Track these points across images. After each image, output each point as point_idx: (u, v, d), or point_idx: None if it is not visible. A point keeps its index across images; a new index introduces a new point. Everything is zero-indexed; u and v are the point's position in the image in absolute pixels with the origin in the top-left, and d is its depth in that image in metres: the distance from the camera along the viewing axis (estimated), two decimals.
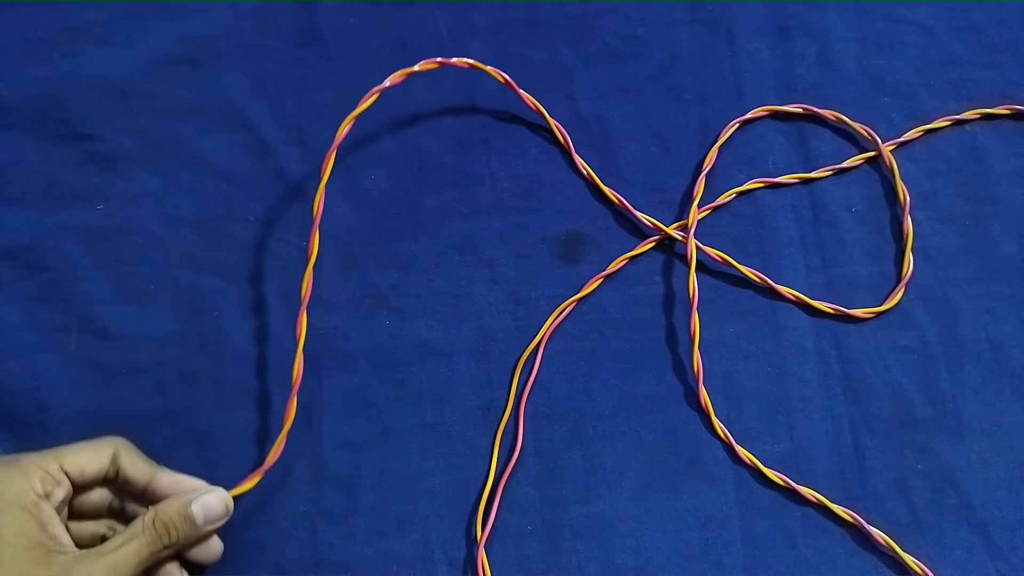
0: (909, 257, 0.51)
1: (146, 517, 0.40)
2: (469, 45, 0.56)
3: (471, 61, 0.51)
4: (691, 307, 0.49)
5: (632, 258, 0.51)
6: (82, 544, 0.41)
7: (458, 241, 0.51)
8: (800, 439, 0.48)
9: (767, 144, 0.54)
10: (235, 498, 0.43)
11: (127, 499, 0.43)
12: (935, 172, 0.53)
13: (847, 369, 0.49)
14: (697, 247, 0.51)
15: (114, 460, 0.42)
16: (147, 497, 0.42)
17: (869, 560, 0.45)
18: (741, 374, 0.49)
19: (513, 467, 0.47)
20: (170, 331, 0.49)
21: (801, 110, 0.54)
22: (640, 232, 0.52)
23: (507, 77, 0.52)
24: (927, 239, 0.52)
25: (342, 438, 0.47)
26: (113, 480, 0.42)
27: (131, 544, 0.39)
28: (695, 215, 0.51)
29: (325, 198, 0.47)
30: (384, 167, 0.53)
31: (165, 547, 0.40)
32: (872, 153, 0.54)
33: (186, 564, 0.43)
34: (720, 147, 0.53)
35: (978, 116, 0.54)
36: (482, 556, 0.45)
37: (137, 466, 0.42)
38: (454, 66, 0.50)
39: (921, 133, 0.54)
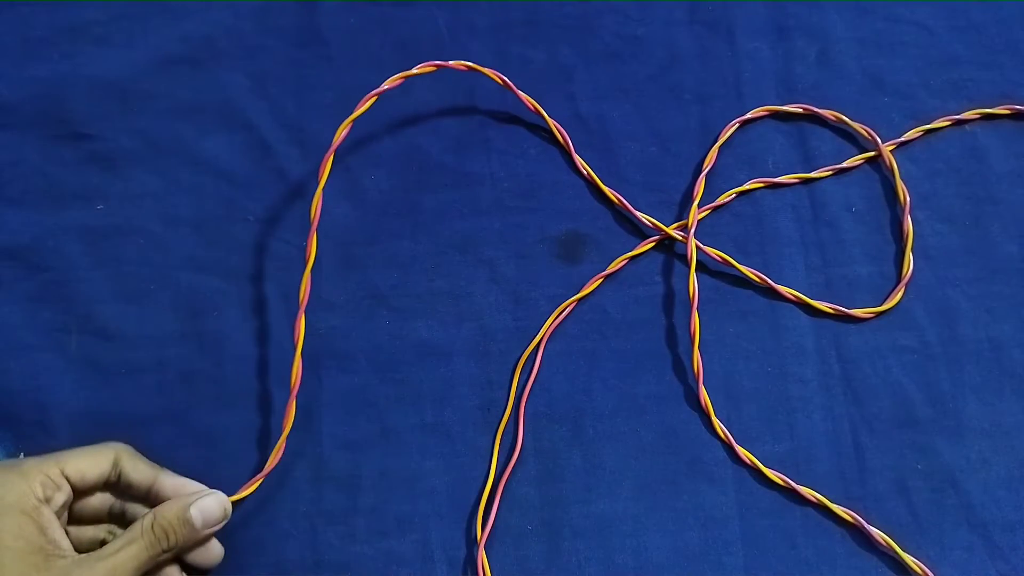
0: (909, 257, 0.51)
1: (144, 521, 0.40)
2: (469, 45, 0.56)
3: (469, 63, 0.51)
4: (691, 307, 0.49)
5: (632, 258, 0.51)
6: (82, 548, 0.41)
7: (458, 241, 0.51)
8: (800, 439, 0.48)
9: (767, 144, 0.54)
10: (235, 502, 0.44)
11: (129, 502, 0.43)
12: (935, 172, 0.53)
13: (847, 369, 0.49)
14: (697, 247, 0.51)
15: (115, 465, 0.42)
16: (150, 500, 0.43)
17: (869, 560, 0.45)
18: (741, 374, 0.49)
19: (513, 467, 0.47)
20: (170, 331, 0.49)
21: (801, 110, 0.54)
22: (640, 232, 0.52)
23: (505, 79, 0.52)
24: (927, 239, 0.52)
25: (342, 438, 0.47)
26: (115, 484, 0.42)
27: (130, 548, 0.39)
28: (695, 215, 0.51)
29: (325, 198, 0.47)
30: (384, 167, 0.53)
31: (164, 551, 0.40)
32: (872, 153, 0.54)
33: (186, 567, 0.43)
34: (720, 147, 0.53)
35: (978, 116, 0.54)
36: (482, 556, 0.45)
37: (140, 469, 0.42)
38: (452, 68, 0.50)
39: (921, 133, 0.54)
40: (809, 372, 0.49)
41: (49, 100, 0.53)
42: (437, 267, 0.51)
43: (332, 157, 0.47)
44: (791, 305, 0.51)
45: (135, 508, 0.43)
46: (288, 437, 0.45)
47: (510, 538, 0.46)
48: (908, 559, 0.45)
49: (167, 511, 0.41)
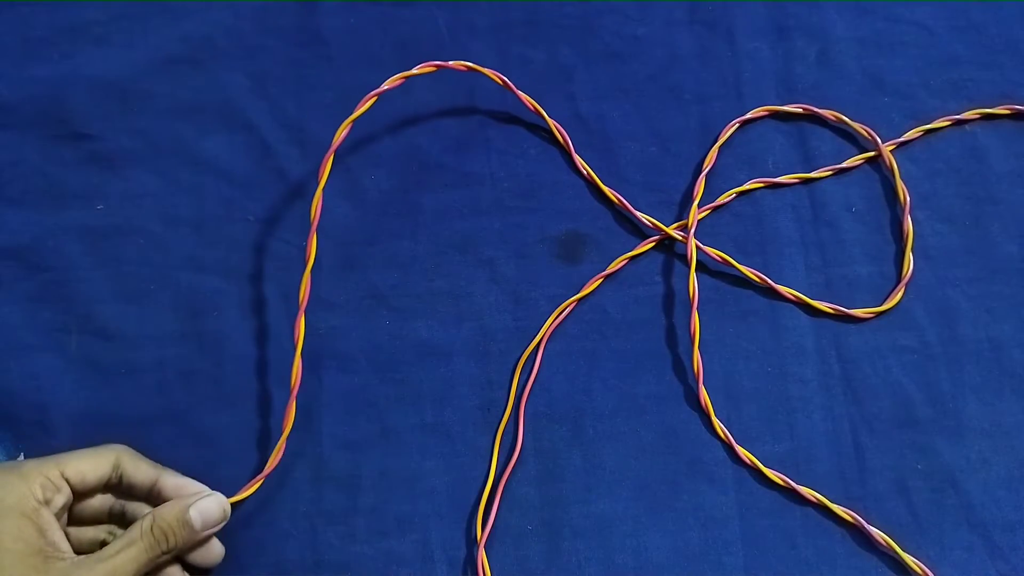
0: (909, 257, 0.51)
1: (144, 523, 0.40)
2: (469, 45, 0.56)
3: (469, 64, 0.51)
4: (691, 307, 0.49)
5: (632, 258, 0.51)
6: (82, 549, 0.42)
7: (458, 241, 0.51)
8: (800, 439, 0.48)
9: (767, 144, 0.54)
10: (235, 503, 0.44)
11: (130, 502, 0.43)
12: (935, 172, 0.53)
13: (847, 369, 0.49)
14: (697, 247, 0.51)
15: (116, 467, 0.42)
16: (151, 499, 0.43)
17: (869, 560, 0.45)
18: (741, 374, 0.49)
19: (513, 467, 0.47)
20: (170, 331, 0.49)
21: (801, 110, 0.54)
22: (640, 232, 0.52)
23: (505, 79, 0.52)
24: (927, 239, 0.52)
25: (342, 438, 0.47)
26: (116, 485, 0.42)
27: (129, 550, 0.39)
28: (695, 215, 0.51)
29: (325, 198, 0.47)
30: (384, 167, 0.53)
31: (163, 552, 0.40)
32: (872, 153, 0.54)
33: (188, 567, 0.43)
34: (720, 147, 0.53)
35: (978, 116, 0.54)
36: (482, 556, 0.45)
37: (141, 470, 0.42)
38: (452, 69, 0.50)
39: (921, 133, 0.54)
40: (809, 372, 0.49)
41: (49, 100, 0.53)
42: (437, 267, 0.51)
43: (332, 157, 0.47)
44: (791, 305, 0.51)
45: (135, 508, 0.43)
46: (288, 437, 0.45)
47: (510, 538, 0.46)
48: (908, 559, 0.45)
49: (166, 513, 0.41)
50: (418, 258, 0.51)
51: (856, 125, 0.54)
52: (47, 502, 0.39)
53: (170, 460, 0.44)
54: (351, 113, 0.48)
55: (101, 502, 0.43)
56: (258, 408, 0.48)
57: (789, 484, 0.46)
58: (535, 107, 0.53)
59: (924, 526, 0.46)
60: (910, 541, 0.45)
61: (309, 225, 0.46)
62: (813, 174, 0.53)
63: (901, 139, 0.54)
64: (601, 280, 0.51)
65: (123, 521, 0.43)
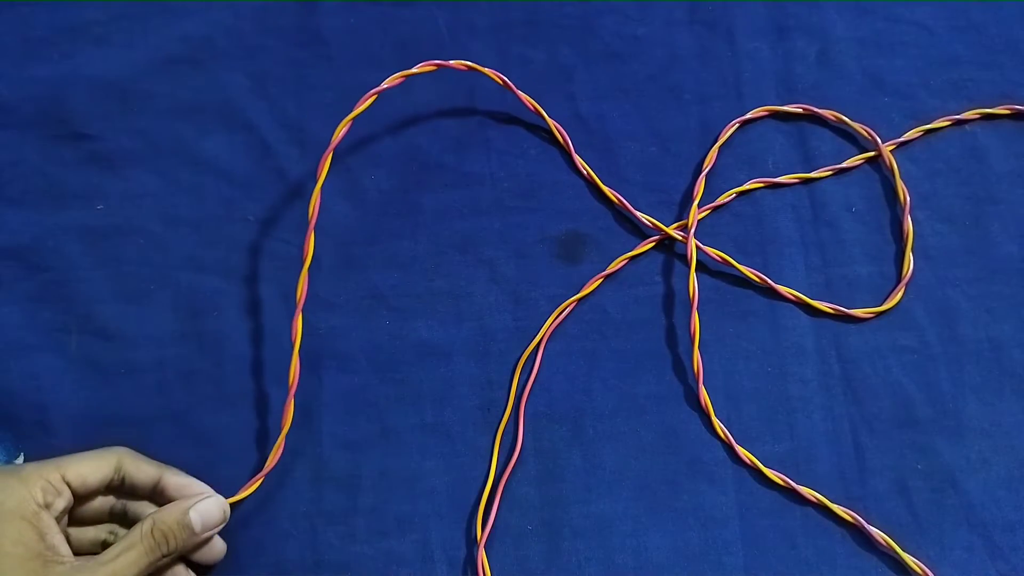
0: (909, 257, 0.51)
1: (144, 525, 0.40)
2: (469, 45, 0.56)
3: (469, 63, 0.51)
4: (691, 307, 0.49)
5: (632, 258, 0.51)
6: (83, 550, 0.42)
7: (458, 241, 0.51)
8: (800, 439, 0.48)
9: (767, 144, 0.54)
10: (234, 503, 0.44)
11: (133, 501, 0.43)
12: (935, 172, 0.53)
13: (847, 369, 0.49)
14: (697, 247, 0.51)
15: (118, 469, 0.42)
16: (154, 498, 0.43)
17: (869, 560, 0.45)
18: (741, 374, 0.49)
19: (513, 467, 0.47)
20: (170, 331, 0.49)
21: (801, 110, 0.54)
22: (640, 232, 0.52)
23: (505, 79, 0.52)
24: (927, 239, 0.52)
25: (342, 438, 0.47)
26: (118, 487, 0.42)
27: (129, 553, 0.39)
28: (695, 215, 0.51)
29: (325, 198, 0.47)
30: (384, 167, 0.53)
31: (163, 555, 0.40)
32: (872, 153, 0.54)
33: (190, 564, 0.43)
34: (720, 147, 0.53)
35: (978, 116, 0.54)
36: (482, 556, 0.45)
37: (143, 470, 0.42)
38: (452, 68, 0.50)
39: (921, 133, 0.54)
40: (809, 372, 0.49)
41: (49, 100, 0.53)
42: (437, 267, 0.51)
43: (331, 156, 0.47)
44: (791, 305, 0.51)
45: (137, 507, 0.43)
46: (288, 437, 0.45)
47: (510, 538, 0.46)
48: (908, 559, 0.45)
49: (166, 516, 0.41)
50: (418, 258, 0.51)
51: (856, 125, 0.54)
52: (47, 506, 0.39)
53: (170, 460, 0.44)
54: (351, 113, 0.48)
55: (102, 502, 0.43)
56: (258, 408, 0.48)
57: (789, 484, 0.46)
58: (535, 107, 0.53)
59: (924, 526, 0.46)
60: (910, 541, 0.45)
61: (308, 222, 0.46)
62: (813, 174, 0.53)
63: (901, 139, 0.54)
64: (601, 280, 0.51)
65: (125, 520, 0.43)
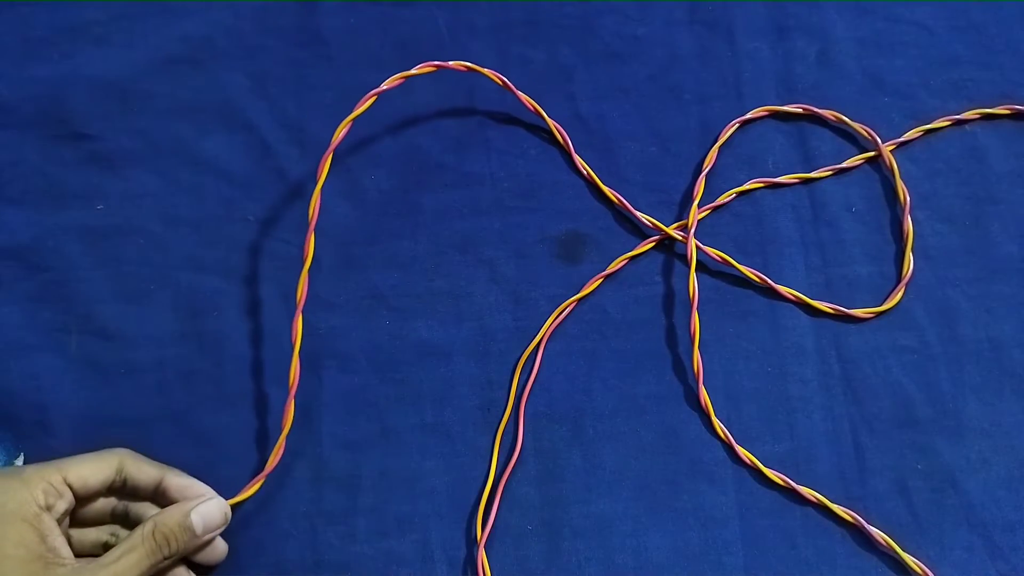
0: (909, 257, 0.51)
1: (145, 528, 0.40)
2: (469, 45, 0.56)
3: (468, 64, 0.51)
4: (691, 307, 0.49)
5: (632, 258, 0.51)
6: (84, 552, 0.42)
7: (458, 241, 0.51)
8: (800, 439, 0.48)
9: (767, 144, 0.54)
10: (235, 504, 0.44)
11: (134, 502, 0.43)
12: (935, 172, 0.53)
13: (847, 369, 0.49)
14: (697, 247, 0.51)
15: (120, 471, 0.42)
16: (156, 499, 0.43)
17: (869, 560, 0.45)
18: (741, 374, 0.49)
19: (513, 467, 0.47)
20: (170, 331, 0.49)
21: (801, 110, 0.54)
22: (640, 232, 0.52)
23: (505, 79, 0.52)
24: (927, 239, 0.52)
25: (342, 438, 0.47)
26: (120, 488, 0.42)
27: (131, 556, 0.39)
28: (695, 215, 0.51)
29: (326, 198, 0.47)
30: (384, 167, 0.53)
31: (165, 557, 0.40)
32: (872, 153, 0.54)
33: (191, 565, 0.43)
34: (720, 147, 0.53)
35: (978, 116, 0.54)
36: (482, 556, 0.45)
37: (145, 472, 0.42)
38: (451, 69, 0.50)
39: (921, 133, 0.54)
40: (809, 372, 0.49)
41: (49, 100, 0.53)
42: (437, 267, 0.51)
43: (331, 157, 0.47)
44: (791, 305, 0.51)
45: (138, 508, 0.43)
46: (288, 437, 0.45)
47: (510, 538, 0.46)
48: (908, 559, 0.45)
49: (168, 518, 0.41)
50: (418, 258, 0.51)
51: (856, 125, 0.54)
52: (49, 507, 0.39)
53: (170, 460, 0.44)
54: (351, 113, 0.48)
55: (104, 503, 0.43)
56: (258, 408, 0.48)
57: (789, 484, 0.46)
58: (534, 107, 0.53)
59: (924, 526, 0.46)
60: (910, 541, 0.45)
61: (308, 223, 0.46)
62: (813, 174, 0.53)
63: (901, 139, 0.54)
64: (601, 280, 0.51)
65: (126, 521, 0.43)
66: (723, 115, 0.54)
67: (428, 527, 0.46)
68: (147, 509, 0.43)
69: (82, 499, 0.41)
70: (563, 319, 0.50)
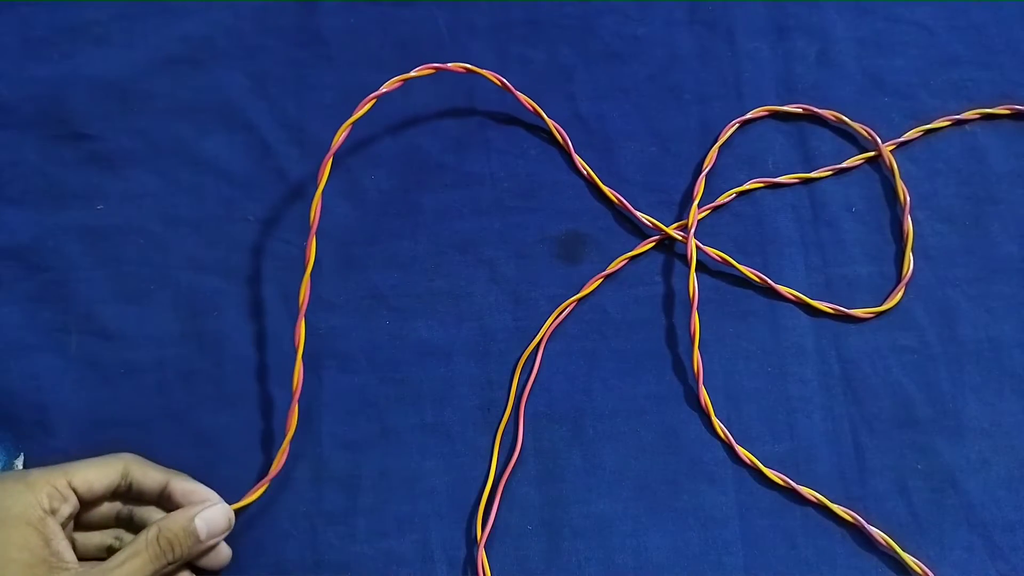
0: (909, 257, 0.51)
1: (149, 533, 0.40)
2: (469, 45, 0.56)
3: (467, 65, 0.51)
4: (691, 307, 0.49)
5: (632, 258, 0.51)
6: (88, 556, 0.42)
7: (458, 241, 0.51)
8: (800, 439, 0.48)
9: (767, 144, 0.54)
10: (239, 509, 0.44)
11: (139, 507, 0.43)
12: (935, 172, 0.53)
13: (847, 369, 0.49)
14: (697, 247, 0.51)
15: (125, 476, 0.42)
16: (162, 504, 0.43)
17: (869, 560, 0.45)
18: (741, 374, 0.49)
19: (513, 467, 0.47)
20: (170, 331, 0.49)
21: (801, 110, 0.54)
22: (640, 232, 0.52)
23: (504, 80, 0.52)
24: (927, 239, 0.52)
25: (342, 438, 0.47)
26: (125, 493, 0.42)
27: (134, 560, 0.39)
28: (695, 215, 0.51)
29: (326, 199, 0.47)
30: (384, 167, 0.53)
31: (169, 562, 0.40)
32: (872, 153, 0.54)
33: (195, 570, 0.43)
34: (720, 147, 0.53)
35: (978, 116, 0.54)
36: (482, 556, 0.45)
37: (150, 476, 0.42)
38: (450, 71, 0.50)
39: (921, 133, 0.54)
40: (809, 372, 0.49)
41: (49, 100, 0.53)
42: (437, 267, 0.51)
43: (331, 160, 0.47)
44: (791, 305, 0.51)
45: (143, 512, 0.43)
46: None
47: (510, 538, 0.46)
48: (908, 559, 0.45)
49: (172, 523, 0.41)
50: (418, 258, 0.51)
51: (856, 125, 0.54)
52: (53, 511, 0.39)
53: (170, 460, 0.44)
54: (351, 113, 0.48)
55: (108, 507, 0.43)
56: (258, 409, 0.48)
57: (789, 484, 0.46)
58: (534, 107, 0.53)
59: (924, 526, 0.46)
60: (910, 541, 0.45)
61: (309, 225, 0.46)
62: (813, 174, 0.53)
63: (901, 139, 0.54)
64: (601, 280, 0.51)
65: (131, 526, 0.43)
66: (723, 115, 0.54)
67: (428, 527, 0.46)
68: (152, 513, 0.43)
69: (87, 503, 0.41)
70: (563, 319, 0.50)
